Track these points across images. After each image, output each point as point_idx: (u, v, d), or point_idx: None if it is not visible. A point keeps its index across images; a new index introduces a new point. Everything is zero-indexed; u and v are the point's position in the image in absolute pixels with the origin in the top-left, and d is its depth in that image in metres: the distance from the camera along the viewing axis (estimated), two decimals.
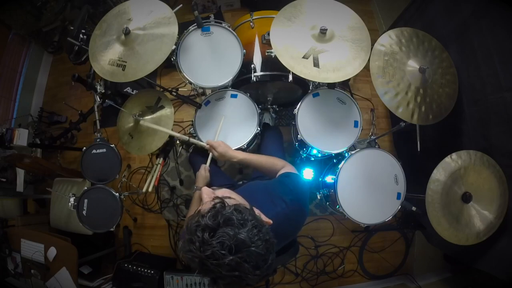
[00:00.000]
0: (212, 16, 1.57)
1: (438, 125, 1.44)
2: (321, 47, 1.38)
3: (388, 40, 1.43)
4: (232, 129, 1.53)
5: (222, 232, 0.64)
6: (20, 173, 2.14)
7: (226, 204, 0.71)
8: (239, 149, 1.51)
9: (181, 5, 1.47)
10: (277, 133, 1.71)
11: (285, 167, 1.12)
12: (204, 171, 1.32)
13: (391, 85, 1.38)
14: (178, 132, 2.30)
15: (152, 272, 1.92)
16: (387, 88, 1.38)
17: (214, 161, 1.41)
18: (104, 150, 1.66)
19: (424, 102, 1.41)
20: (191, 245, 0.65)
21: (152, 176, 1.78)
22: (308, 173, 2.01)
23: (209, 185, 1.30)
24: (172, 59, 1.48)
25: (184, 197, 2.30)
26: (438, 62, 1.47)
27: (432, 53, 1.47)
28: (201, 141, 1.46)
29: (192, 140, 1.42)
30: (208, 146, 1.30)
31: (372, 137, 1.75)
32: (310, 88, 1.67)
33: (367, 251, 2.26)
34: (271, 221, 0.78)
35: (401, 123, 1.48)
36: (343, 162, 1.54)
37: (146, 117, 1.60)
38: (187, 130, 2.35)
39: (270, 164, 1.18)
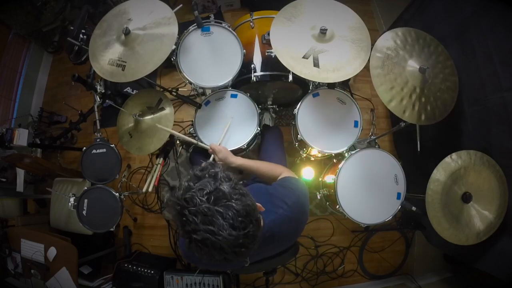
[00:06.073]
0: (212, 16, 1.57)
1: (438, 125, 1.43)
2: (321, 47, 1.38)
3: (391, 39, 1.42)
4: (232, 129, 1.53)
5: (205, 181, 0.66)
6: (20, 173, 2.13)
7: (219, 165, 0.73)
8: (239, 149, 1.51)
9: (181, 5, 1.47)
10: (277, 134, 1.71)
11: (284, 172, 1.12)
12: None
13: (387, 78, 1.36)
14: (178, 133, 2.34)
15: (152, 272, 1.92)
16: (388, 89, 1.37)
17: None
18: (104, 150, 1.66)
19: (419, 102, 1.39)
20: (175, 191, 0.67)
21: (152, 176, 1.78)
22: (308, 173, 2.01)
23: None
24: (172, 59, 1.48)
25: None
26: (441, 67, 1.46)
27: (437, 58, 1.46)
28: (203, 142, 1.47)
29: (199, 144, 1.43)
30: (211, 150, 1.31)
31: (372, 137, 1.74)
32: (310, 88, 1.66)
33: (367, 251, 2.26)
34: (263, 208, 0.79)
35: (401, 123, 1.48)
36: (343, 162, 1.54)
37: (146, 117, 1.60)
38: (187, 130, 2.35)
39: (268, 169, 1.18)
